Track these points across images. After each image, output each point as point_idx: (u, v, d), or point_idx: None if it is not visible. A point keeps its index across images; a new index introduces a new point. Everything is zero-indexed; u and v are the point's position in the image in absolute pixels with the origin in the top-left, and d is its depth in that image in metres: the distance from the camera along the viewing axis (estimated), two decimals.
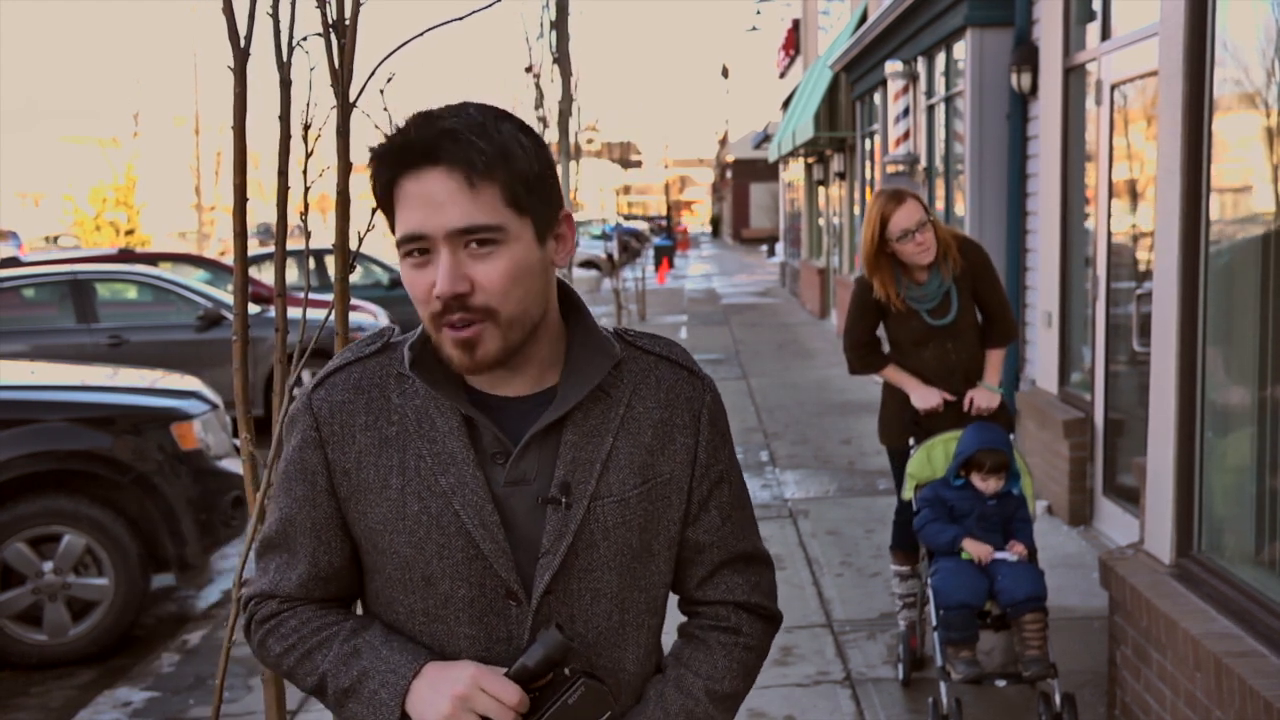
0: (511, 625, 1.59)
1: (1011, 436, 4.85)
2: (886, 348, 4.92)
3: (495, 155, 1.52)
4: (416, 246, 1.53)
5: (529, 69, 11.53)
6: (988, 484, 4.42)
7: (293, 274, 13.63)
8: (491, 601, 1.58)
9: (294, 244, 12.95)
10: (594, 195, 61.38)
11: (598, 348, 1.63)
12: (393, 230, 1.59)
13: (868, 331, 4.83)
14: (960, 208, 9.46)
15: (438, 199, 1.51)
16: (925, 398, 4.71)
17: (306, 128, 2.53)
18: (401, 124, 1.55)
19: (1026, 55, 7.86)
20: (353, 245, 2.55)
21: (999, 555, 4.31)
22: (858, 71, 14.38)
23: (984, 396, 4.72)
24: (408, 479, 1.59)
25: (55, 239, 34.79)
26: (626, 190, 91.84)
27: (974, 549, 4.30)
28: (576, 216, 14.19)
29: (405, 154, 1.52)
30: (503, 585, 1.58)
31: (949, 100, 10.15)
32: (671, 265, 35.61)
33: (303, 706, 4.73)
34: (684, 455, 1.67)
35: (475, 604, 1.58)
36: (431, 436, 1.59)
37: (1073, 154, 7.23)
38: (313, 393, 1.65)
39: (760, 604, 1.74)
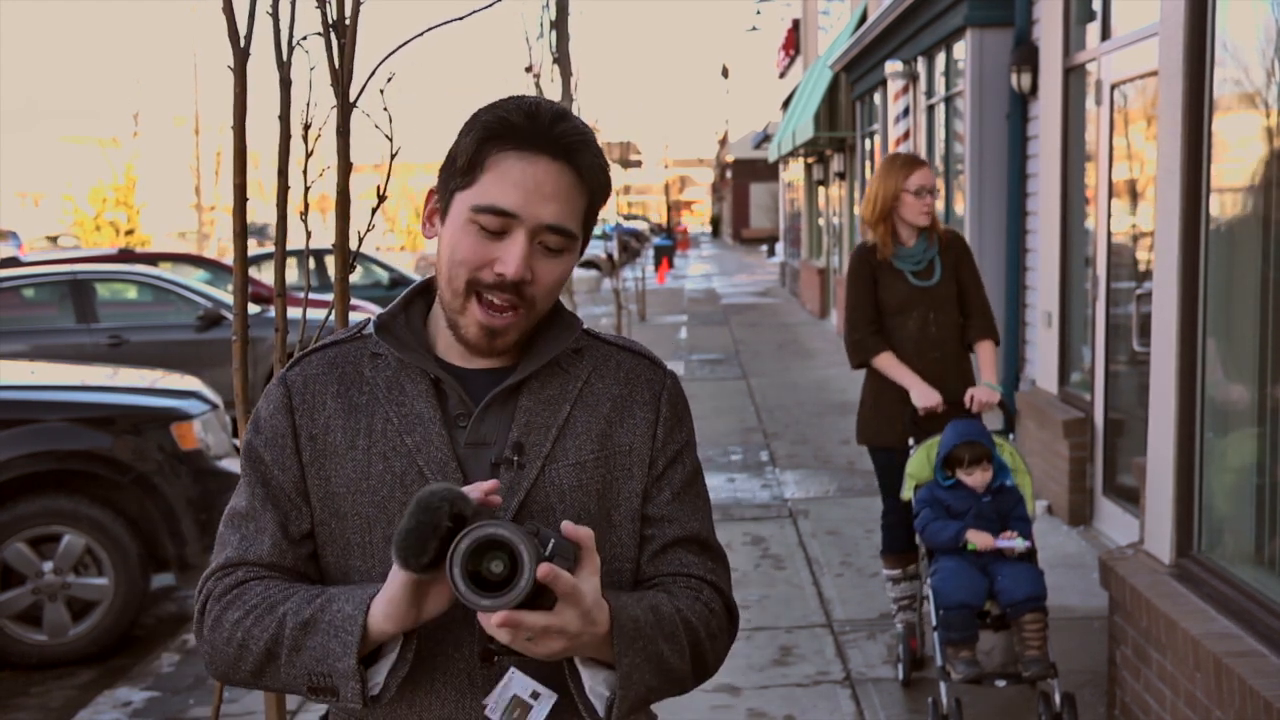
0: None
1: (1011, 436, 4.87)
2: None
3: (601, 173, 1.62)
4: (496, 223, 1.56)
5: (529, 69, 11.51)
6: (973, 476, 4.42)
7: (293, 274, 13.63)
8: None
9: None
10: None
11: (561, 324, 1.68)
12: (449, 181, 1.60)
13: (869, 303, 4.84)
14: (960, 208, 9.46)
15: (544, 189, 1.56)
16: (925, 395, 4.71)
17: (306, 127, 2.53)
18: (527, 102, 1.59)
19: (1026, 55, 7.86)
20: (353, 245, 2.55)
21: (1002, 543, 4.30)
22: (858, 71, 14.38)
23: (984, 393, 4.74)
24: (374, 440, 1.61)
25: (55, 239, 34.78)
26: (626, 190, 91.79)
27: (977, 539, 4.31)
28: None
29: (542, 139, 1.57)
30: None
31: (949, 100, 10.15)
32: (671, 265, 35.62)
33: (303, 706, 4.73)
34: (644, 429, 1.68)
35: None
36: (400, 400, 1.63)
37: (1073, 154, 7.23)
38: (287, 371, 1.69)
39: (718, 584, 1.70)
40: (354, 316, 2.42)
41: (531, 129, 1.56)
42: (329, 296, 2.81)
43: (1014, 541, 4.31)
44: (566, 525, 1.46)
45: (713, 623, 1.65)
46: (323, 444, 1.62)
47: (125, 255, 14.53)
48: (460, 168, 1.59)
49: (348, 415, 1.63)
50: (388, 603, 1.47)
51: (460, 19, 2.67)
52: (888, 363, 4.80)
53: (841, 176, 17.41)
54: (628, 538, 1.67)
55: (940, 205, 10.39)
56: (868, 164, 14.55)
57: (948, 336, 4.86)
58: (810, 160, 21.63)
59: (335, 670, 1.47)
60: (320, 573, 1.65)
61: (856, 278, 4.87)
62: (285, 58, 2.49)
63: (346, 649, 1.47)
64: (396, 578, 1.46)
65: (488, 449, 1.62)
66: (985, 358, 4.91)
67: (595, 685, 1.51)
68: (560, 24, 11.46)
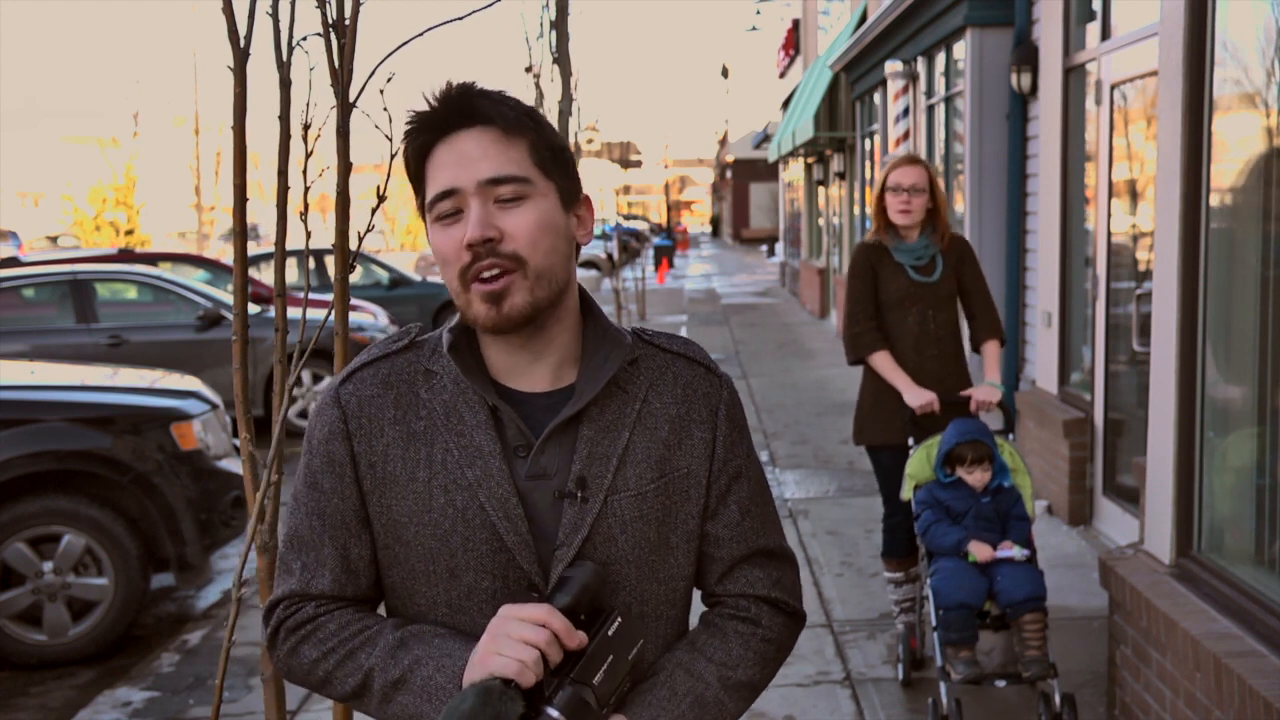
0: None
1: (1011, 436, 4.87)
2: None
3: (525, 115, 1.60)
4: (448, 205, 1.58)
5: (529, 69, 11.52)
6: (973, 475, 4.43)
7: (293, 274, 13.62)
8: (514, 594, 1.59)
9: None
10: (594, 195, 61.18)
11: (612, 342, 1.66)
12: (420, 203, 1.63)
13: (869, 297, 4.85)
14: (960, 207, 9.46)
15: (471, 155, 1.58)
16: (917, 395, 4.72)
17: (306, 128, 2.52)
18: (435, 94, 1.61)
19: (1026, 55, 7.86)
20: (353, 245, 2.55)
21: (1002, 553, 4.31)
22: (858, 71, 14.38)
23: (985, 392, 4.76)
24: (434, 472, 1.60)
25: (55, 239, 34.77)
26: (626, 190, 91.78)
27: (978, 551, 4.31)
28: None
29: (440, 117, 1.59)
30: (525, 577, 1.59)
31: (949, 100, 10.15)
32: (671, 265, 35.61)
33: (303, 706, 4.73)
34: (702, 450, 1.68)
35: (498, 596, 1.59)
36: (459, 430, 1.61)
37: (1073, 154, 7.23)
38: (340, 387, 1.67)
39: (781, 599, 1.73)
40: (353, 316, 2.42)
41: (442, 111, 1.59)
42: (329, 296, 2.81)
43: (1012, 551, 4.32)
44: None
45: (768, 652, 1.71)
46: (382, 473, 1.62)
47: (125, 255, 14.53)
48: (414, 181, 1.63)
49: (407, 444, 1.62)
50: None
51: (460, 19, 2.67)
52: (882, 362, 4.80)
53: (841, 176, 17.40)
54: (684, 558, 1.69)
55: None
56: (868, 164, 14.55)
57: (946, 335, 4.88)
58: (810, 160, 21.63)
59: None
60: (385, 592, 1.68)
61: (857, 273, 4.89)
62: (285, 58, 2.49)
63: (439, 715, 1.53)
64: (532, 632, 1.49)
65: (549, 481, 1.61)
66: (990, 356, 4.93)
67: None
68: (560, 24, 11.45)
